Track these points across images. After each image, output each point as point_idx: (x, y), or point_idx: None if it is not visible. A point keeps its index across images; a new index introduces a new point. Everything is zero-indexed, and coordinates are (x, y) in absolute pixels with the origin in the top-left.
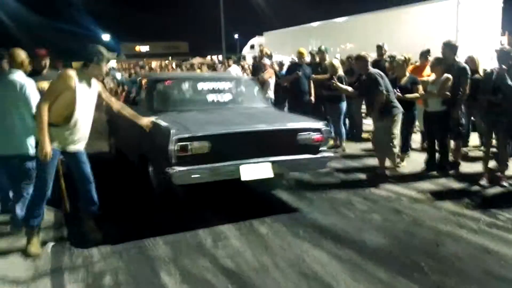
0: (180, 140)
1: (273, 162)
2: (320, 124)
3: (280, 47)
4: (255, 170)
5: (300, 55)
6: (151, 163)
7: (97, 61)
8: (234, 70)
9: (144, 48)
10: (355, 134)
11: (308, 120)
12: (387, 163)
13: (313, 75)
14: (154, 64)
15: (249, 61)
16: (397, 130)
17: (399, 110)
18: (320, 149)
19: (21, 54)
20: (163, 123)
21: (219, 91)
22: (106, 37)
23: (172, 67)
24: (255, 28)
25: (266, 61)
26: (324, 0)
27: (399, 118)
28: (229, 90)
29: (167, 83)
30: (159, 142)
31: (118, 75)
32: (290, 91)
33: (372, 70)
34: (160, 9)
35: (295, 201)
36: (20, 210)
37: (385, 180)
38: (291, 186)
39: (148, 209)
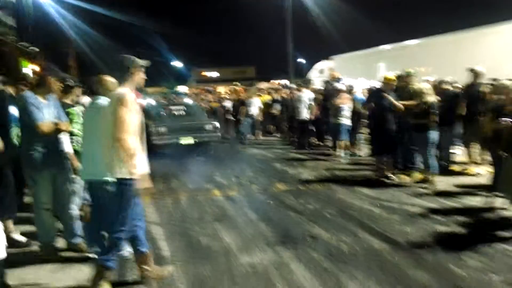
0: (155, 127)
1: (193, 136)
2: (215, 122)
3: (349, 71)
4: (186, 139)
5: (388, 81)
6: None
7: (137, 70)
8: (307, 95)
9: (213, 74)
10: (443, 166)
11: (211, 120)
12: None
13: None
14: (222, 89)
15: (316, 85)
16: None
17: None
18: (216, 131)
19: (109, 81)
20: (149, 122)
21: (179, 109)
22: (177, 63)
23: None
24: (321, 52)
25: (340, 86)
26: (396, 22)
27: None
28: (183, 109)
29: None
30: (149, 129)
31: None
32: (370, 120)
33: None
34: (228, 35)
35: (389, 251)
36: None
37: (497, 228)
38: (381, 231)
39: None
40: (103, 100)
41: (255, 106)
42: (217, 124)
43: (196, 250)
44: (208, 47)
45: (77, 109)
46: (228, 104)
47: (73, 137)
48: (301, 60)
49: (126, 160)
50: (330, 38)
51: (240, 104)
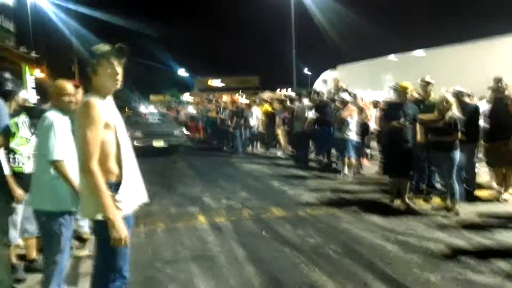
0: (133, 132)
1: (164, 140)
2: (182, 129)
3: (354, 81)
4: (158, 142)
5: (404, 90)
6: None
7: (101, 63)
8: (303, 106)
9: (217, 82)
10: (466, 191)
11: (178, 127)
12: None
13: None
14: (225, 97)
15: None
16: None
17: None
18: (183, 137)
19: (61, 87)
20: (131, 129)
21: (154, 118)
22: (181, 71)
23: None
24: (326, 62)
25: (346, 96)
26: (402, 33)
27: None
28: (158, 118)
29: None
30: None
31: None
32: (387, 137)
33: None
34: (233, 44)
35: None
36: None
37: None
38: (397, 278)
39: None
40: (53, 113)
41: (255, 117)
42: (184, 130)
43: None
44: (213, 56)
45: (19, 120)
46: (226, 114)
47: (15, 155)
48: (306, 70)
49: (96, 196)
50: (336, 47)
51: (232, 115)
